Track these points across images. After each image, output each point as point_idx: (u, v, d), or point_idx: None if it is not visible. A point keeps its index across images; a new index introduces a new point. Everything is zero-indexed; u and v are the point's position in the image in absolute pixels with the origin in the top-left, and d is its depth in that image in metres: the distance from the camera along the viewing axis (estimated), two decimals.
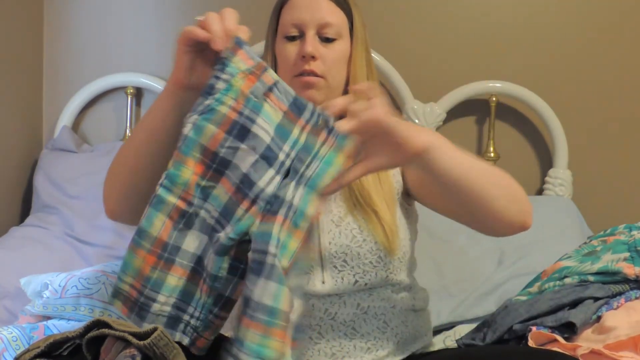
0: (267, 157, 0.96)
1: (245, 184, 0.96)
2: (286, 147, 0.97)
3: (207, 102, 0.95)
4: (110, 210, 1.13)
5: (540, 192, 2.06)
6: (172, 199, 0.96)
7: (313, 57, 1.19)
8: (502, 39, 2.09)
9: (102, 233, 1.77)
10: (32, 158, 2.04)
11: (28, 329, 1.38)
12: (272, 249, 0.92)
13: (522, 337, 1.25)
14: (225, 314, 1.00)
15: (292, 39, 1.23)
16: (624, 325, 1.19)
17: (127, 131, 2.07)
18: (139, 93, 2.11)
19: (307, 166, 0.96)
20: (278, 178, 0.96)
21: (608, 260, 1.34)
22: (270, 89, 0.97)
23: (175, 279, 0.97)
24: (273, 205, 0.95)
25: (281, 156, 0.97)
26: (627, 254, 1.34)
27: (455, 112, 2.06)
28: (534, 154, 2.10)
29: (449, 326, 1.61)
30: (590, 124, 2.09)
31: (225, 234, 0.96)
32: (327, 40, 1.22)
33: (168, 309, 0.98)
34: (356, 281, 1.18)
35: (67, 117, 2.04)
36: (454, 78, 2.06)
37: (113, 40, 2.10)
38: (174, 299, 0.98)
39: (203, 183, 0.96)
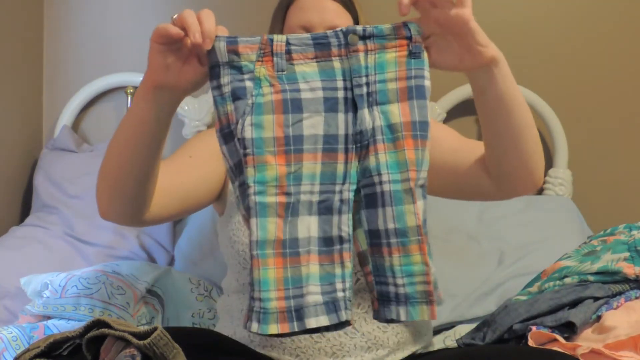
0: (331, 107, 0.95)
1: (328, 142, 0.95)
2: (339, 84, 0.96)
3: (249, 101, 0.94)
4: (102, 211, 1.13)
5: (540, 191, 2.05)
6: (271, 199, 0.94)
7: None
8: (502, 39, 2.06)
9: (102, 233, 1.77)
10: (32, 158, 2.04)
11: (28, 329, 1.38)
12: (380, 178, 0.94)
13: (522, 336, 1.25)
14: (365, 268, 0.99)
15: None
16: (624, 325, 1.19)
17: None
18: None
19: (366, 85, 0.95)
20: (350, 115, 0.96)
21: (608, 260, 1.34)
22: (288, 52, 0.96)
23: (308, 268, 0.94)
24: (362, 140, 0.95)
25: (340, 94, 0.96)
26: (627, 254, 1.34)
27: (455, 112, 2.06)
28: None
29: (449, 326, 1.61)
30: (590, 124, 2.09)
31: (347, 190, 0.96)
32: None
33: (319, 297, 0.94)
34: (357, 279, 1.18)
35: (67, 117, 2.04)
36: (454, 78, 2.05)
37: (113, 40, 2.10)
38: (318, 286, 0.94)
39: (292, 169, 0.94)
